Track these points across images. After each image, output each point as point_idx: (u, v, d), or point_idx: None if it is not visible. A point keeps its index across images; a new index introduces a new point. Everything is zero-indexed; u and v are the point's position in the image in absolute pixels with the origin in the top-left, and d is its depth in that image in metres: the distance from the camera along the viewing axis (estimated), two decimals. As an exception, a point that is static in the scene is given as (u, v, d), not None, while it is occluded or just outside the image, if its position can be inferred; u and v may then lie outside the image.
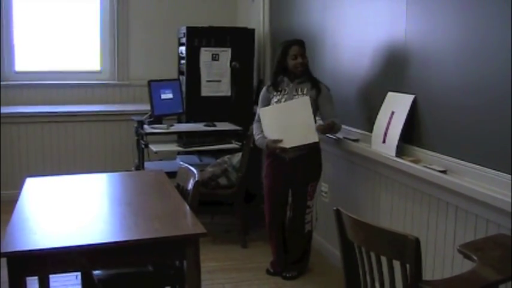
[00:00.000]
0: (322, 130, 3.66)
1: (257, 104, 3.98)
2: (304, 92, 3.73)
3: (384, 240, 2.01)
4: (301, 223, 3.88)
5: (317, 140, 3.67)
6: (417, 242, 1.89)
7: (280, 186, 3.88)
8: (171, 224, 2.51)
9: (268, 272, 3.97)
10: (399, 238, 1.95)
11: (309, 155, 3.77)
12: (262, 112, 3.79)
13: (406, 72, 3.23)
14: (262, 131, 3.80)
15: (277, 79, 3.82)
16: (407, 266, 1.94)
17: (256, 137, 3.87)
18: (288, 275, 3.92)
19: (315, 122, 3.66)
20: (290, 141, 3.67)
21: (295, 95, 3.74)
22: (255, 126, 3.92)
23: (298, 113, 3.66)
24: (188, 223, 2.52)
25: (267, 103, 3.84)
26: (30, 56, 5.83)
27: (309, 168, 3.82)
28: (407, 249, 1.91)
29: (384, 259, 2.03)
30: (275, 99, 3.80)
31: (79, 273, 3.12)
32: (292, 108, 3.70)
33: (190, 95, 5.31)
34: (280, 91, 3.79)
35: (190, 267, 2.40)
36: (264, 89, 3.93)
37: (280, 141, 3.68)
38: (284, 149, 3.68)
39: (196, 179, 2.86)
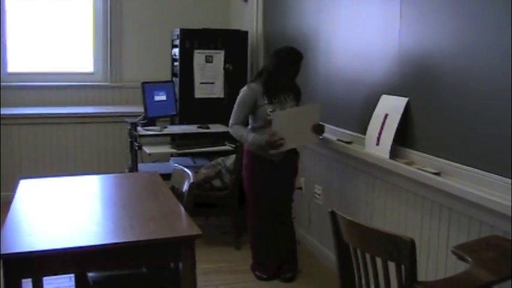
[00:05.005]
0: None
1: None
2: (291, 98, 3.82)
3: (379, 242, 2.02)
4: (289, 215, 4.01)
5: (317, 141, 3.87)
6: (412, 243, 1.90)
7: (275, 187, 3.88)
8: (166, 225, 2.51)
9: (261, 278, 3.94)
10: (394, 239, 1.96)
11: (292, 150, 3.82)
12: (275, 116, 3.63)
13: (400, 75, 3.25)
14: (248, 130, 3.77)
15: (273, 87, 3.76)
16: (403, 267, 1.95)
17: (249, 136, 3.74)
18: (288, 276, 3.93)
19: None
20: (291, 143, 3.69)
21: (283, 103, 3.77)
22: (237, 128, 3.79)
23: (307, 117, 3.74)
24: (184, 225, 2.52)
25: (252, 107, 3.74)
26: (22, 58, 5.81)
27: (294, 162, 3.95)
28: (402, 251, 1.93)
29: (379, 260, 2.04)
30: (269, 108, 3.70)
31: (72, 275, 3.12)
32: (303, 113, 3.77)
33: (183, 97, 5.32)
34: (273, 101, 3.74)
35: (185, 269, 2.40)
36: (250, 91, 3.76)
37: (282, 138, 3.61)
38: (282, 146, 3.63)
39: (192, 180, 2.87)
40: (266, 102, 3.73)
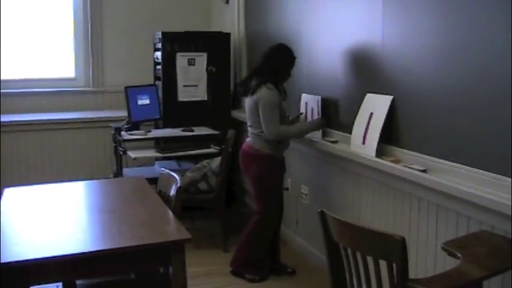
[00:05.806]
0: None
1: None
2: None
3: (369, 241, 2.03)
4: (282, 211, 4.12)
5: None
6: (403, 241, 1.91)
7: (282, 184, 4.01)
8: (155, 230, 2.49)
9: (253, 280, 3.92)
10: (385, 238, 1.97)
11: None
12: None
13: (384, 74, 3.26)
14: (289, 125, 3.90)
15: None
16: (394, 265, 1.96)
17: (302, 126, 3.92)
18: (290, 270, 4.06)
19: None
20: None
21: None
22: (283, 128, 3.75)
23: None
24: (173, 229, 2.51)
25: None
26: (2, 64, 5.73)
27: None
28: (393, 249, 1.93)
29: (370, 259, 2.05)
30: (285, 105, 3.85)
31: (60, 283, 3.08)
32: None
33: (167, 100, 5.29)
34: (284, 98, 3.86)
35: (176, 273, 2.38)
36: (274, 92, 3.71)
37: None
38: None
39: (179, 184, 2.85)
40: (282, 99, 3.82)
